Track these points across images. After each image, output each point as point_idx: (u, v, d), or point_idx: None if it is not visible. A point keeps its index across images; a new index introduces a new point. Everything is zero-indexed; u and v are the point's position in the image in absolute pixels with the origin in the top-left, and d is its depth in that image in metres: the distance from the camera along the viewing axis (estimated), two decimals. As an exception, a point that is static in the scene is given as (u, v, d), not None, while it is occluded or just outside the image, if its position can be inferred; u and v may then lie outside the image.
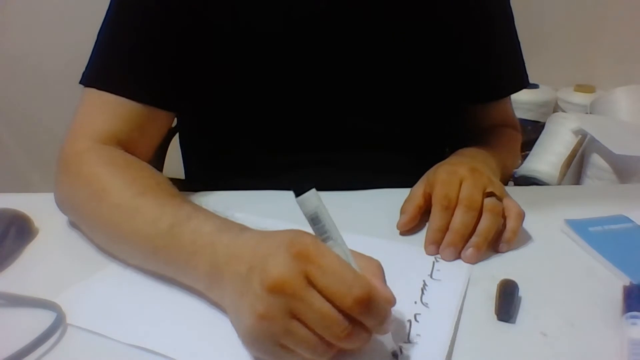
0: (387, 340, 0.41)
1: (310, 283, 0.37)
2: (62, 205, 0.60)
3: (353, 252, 0.41)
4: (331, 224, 0.39)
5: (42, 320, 0.43)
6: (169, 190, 0.55)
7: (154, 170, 0.59)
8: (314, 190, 0.39)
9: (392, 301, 0.39)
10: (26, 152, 1.81)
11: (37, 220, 0.59)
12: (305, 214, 0.39)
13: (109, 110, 0.60)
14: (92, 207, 0.54)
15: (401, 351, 0.41)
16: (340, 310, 0.36)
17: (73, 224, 0.60)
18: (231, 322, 0.43)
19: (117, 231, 0.52)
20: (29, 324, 0.43)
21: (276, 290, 0.37)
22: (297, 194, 0.38)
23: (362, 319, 0.37)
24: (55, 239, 0.58)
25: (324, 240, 0.39)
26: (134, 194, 0.53)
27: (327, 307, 0.36)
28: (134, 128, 0.61)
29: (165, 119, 0.65)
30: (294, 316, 0.37)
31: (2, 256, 0.53)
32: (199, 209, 0.50)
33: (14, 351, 0.40)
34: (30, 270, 0.53)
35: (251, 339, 0.39)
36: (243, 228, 0.46)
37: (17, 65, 1.72)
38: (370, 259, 0.41)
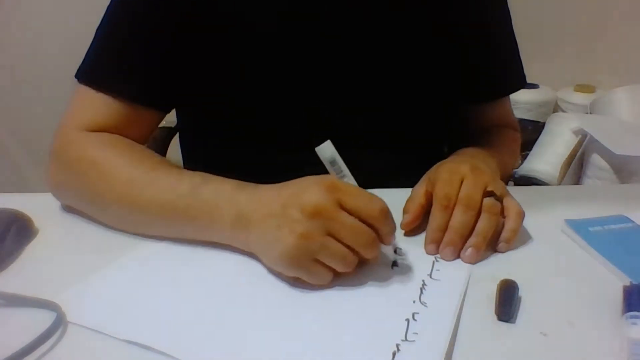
0: (388, 250, 0.53)
1: (342, 207, 0.46)
2: (62, 192, 0.61)
3: None
4: (344, 165, 0.50)
5: (42, 320, 0.43)
6: (175, 165, 0.59)
7: (154, 152, 0.62)
8: (329, 141, 0.49)
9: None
10: (26, 152, 1.81)
11: (37, 220, 0.59)
12: (324, 160, 0.50)
13: (99, 105, 0.63)
14: (103, 187, 0.56)
15: (398, 349, 0.41)
16: (366, 224, 0.47)
17: (70, 209, 0.60)
18: (261, 254, 0.50)
19: (133, 203, 0.55)
20: (29, 324, 0.43)
21: (315, 214, 0.45)
22: (316, 144, 0.49)
23: (382, 227, 0.48)
24: (55, 239, 0.58)
25: (341, 178, 0.50)
26: (145, 169, 0.56)
27: (356, 222, 0.46)
28: (122, 122, 0.63)
29: (153, 117, 0.67)
30: (329, 234, 0.46)
31: (2, 256, 0.53)
32: (212, 175, 0.55)
33: (14, 351, 0.40)
34: (30, 270, 0.53)
35: (290, 257, 0.46)
36: (257, 185, 0.53)
37: (17, 65, 1.72)
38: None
